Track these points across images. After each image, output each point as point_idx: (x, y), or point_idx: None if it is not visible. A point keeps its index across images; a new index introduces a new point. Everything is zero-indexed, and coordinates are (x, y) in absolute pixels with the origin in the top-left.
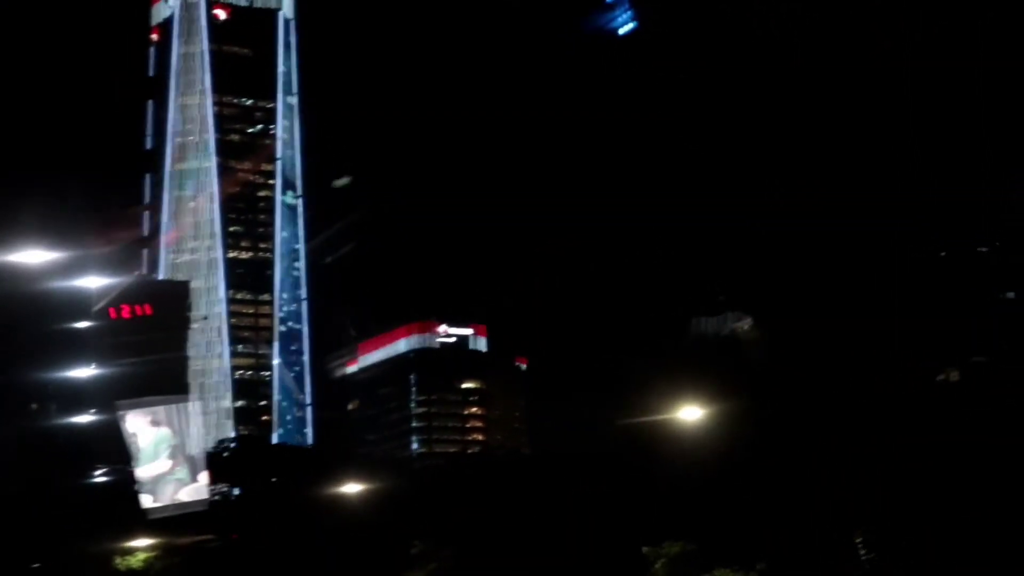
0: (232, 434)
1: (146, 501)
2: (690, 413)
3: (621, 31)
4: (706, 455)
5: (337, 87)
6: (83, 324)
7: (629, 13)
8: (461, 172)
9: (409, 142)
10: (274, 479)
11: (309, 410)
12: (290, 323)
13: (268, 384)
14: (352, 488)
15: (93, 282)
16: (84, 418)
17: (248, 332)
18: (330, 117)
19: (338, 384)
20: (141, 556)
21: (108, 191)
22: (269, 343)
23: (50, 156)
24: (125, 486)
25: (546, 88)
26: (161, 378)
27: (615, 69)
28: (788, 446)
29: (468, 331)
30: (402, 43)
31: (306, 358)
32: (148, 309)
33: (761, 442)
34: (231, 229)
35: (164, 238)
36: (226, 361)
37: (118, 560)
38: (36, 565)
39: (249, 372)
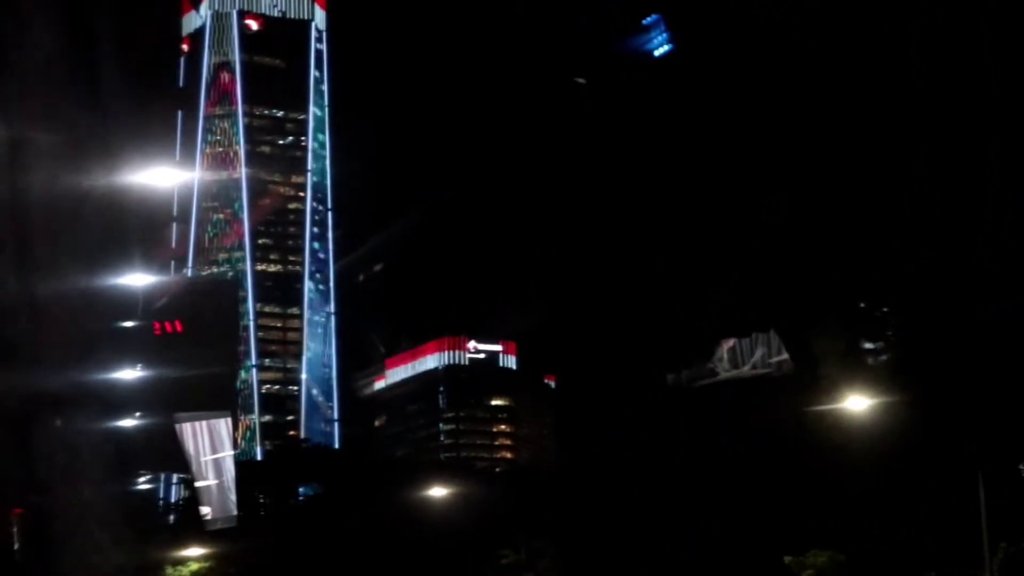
0: (259, 449)
1: (204, 511)
2: (857, 403)
3: (657, 53)
4: (858, 454)
5: (370, 99)
6: (130, 324)
7: (665, 35)
8: (494, 187)
9: (442, 155)
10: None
11: (336, 426)
12: (319, 338)
13: (295, 399)
14: (437, 492)
15: (139, 280)
16: (128, 422)
17: (276, 346)
18: (362, 129)
19: (366, 401)
20: (193, 566)
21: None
22: (297, 357)
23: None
24: (175, 495)
25: (580, 108)
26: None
27: (651, 90)
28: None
29: (498, 348)
30: (434, 55)
31: (334, 373)
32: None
33: (919, 441)
34: (260, 242)
35: (192, 250)
36: (253, 375)
37: (169, 570)
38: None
39: (276, 386)
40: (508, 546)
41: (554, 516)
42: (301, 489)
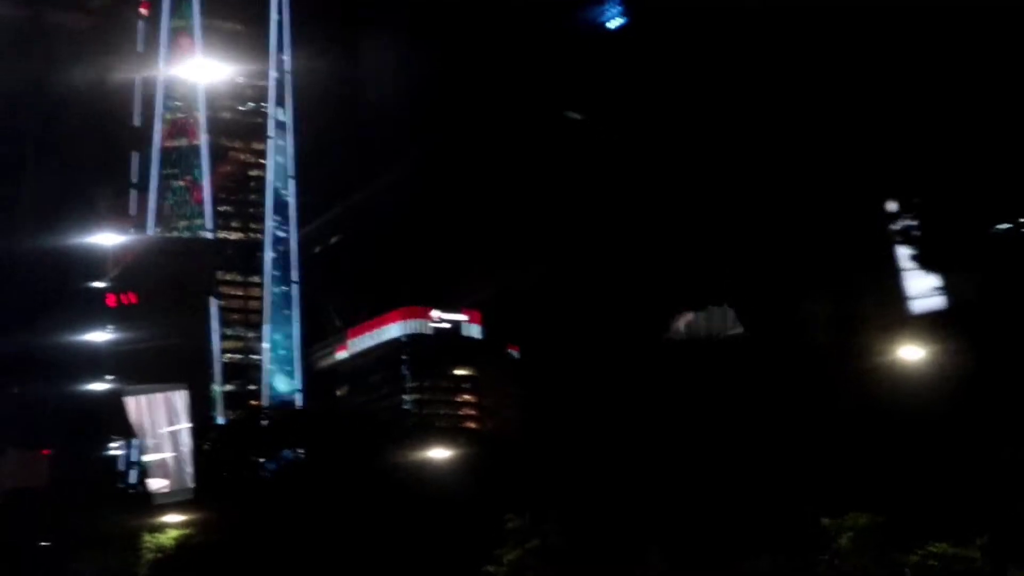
0: (220, 419)
1: (154, 484)
2: (910, 352)
3: (610, 25)
4: (902, 408)
5: (329, 67)
6: (101, 284)
7: (619, 8)
8: (453, 158)
9: (402, 125)
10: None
11: (299, 396)
12: (282, 309)
13: (257, 368)
14: (437, 454)
15: (109, 239)
16: (99, 386)
17: (237, 315)
18: (323, 98)
19: (325, 372)
20: (172, 533)
21: (96, 171)
22: (258, 326)
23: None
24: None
25: (537, 81)
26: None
27: (605, 63)
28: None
29: (462, 317)
30: (395, 19)
31: (296, 342)
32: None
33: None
34: (220, 209)
35: (152, 218)
36: (215, 344)
37: (147, 537)
38: (59, 541)
39: (238, 356)
40: (512, 511)
41: (557, 479)
42: (286, 453)
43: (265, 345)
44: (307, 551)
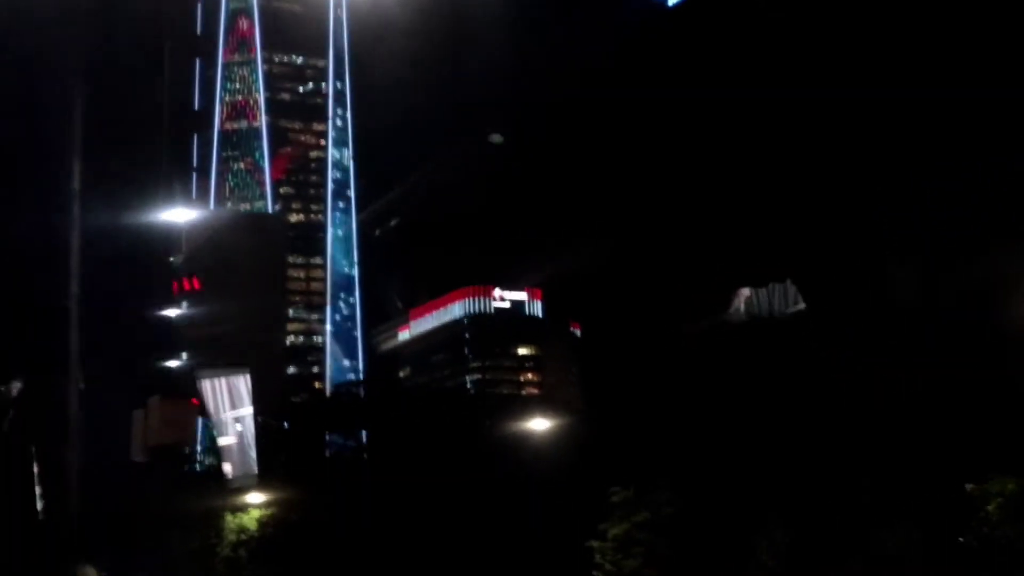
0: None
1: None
2: None
3: (671, 2)
4: None
5: (390, 48)
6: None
7: None
8: (513, 137)
9: (462, 104)
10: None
11: (362, 377)
12: (342, 292)
13: (320, 350)
14: (539, 425)
15: (182, 215)
16: (175, 363)
17: (299, 296)
18: (383, 78)
19: (387, 354)
20: (254, 513)
21: (157, 153)
22: (321, 308)
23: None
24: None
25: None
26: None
27: (666, 40)
28: None
29: (523, 295)
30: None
31: (359, 324)
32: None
33: None
34: (281, 191)
35: (213, 201)
36: None
37: (229, 517)
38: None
39: (301, 338)
40: (616, 483)
41: (668, 449)
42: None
43: (328, 327)
44: (396, 528)
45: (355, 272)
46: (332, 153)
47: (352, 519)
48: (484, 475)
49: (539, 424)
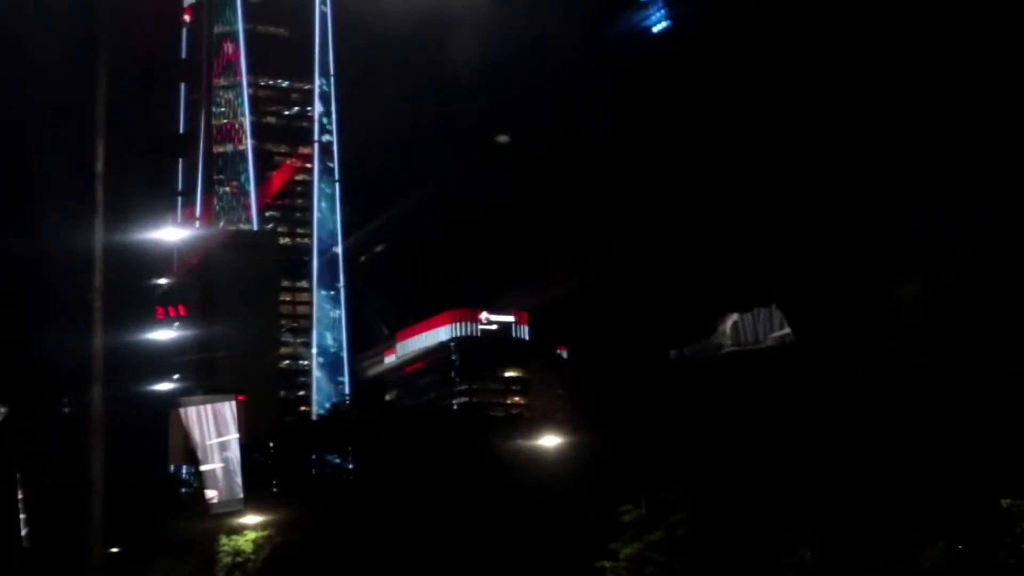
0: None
1: (210, 495)
2: None
3: (655, 29)
4: None
5: (375, 70)
6: (165, 280)
7: (663, 11)
8: (498, 160)
9: (447, 130)
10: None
11: (348, 400)
12: (329, 312)
13: (307, 373)
14: (549, 441)
15: (173, 235)
16: (166, 386)
17: (285, 320)
18: (368, 102)
19: (374, 378)
20: (250, 536)
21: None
22: (306, 332)
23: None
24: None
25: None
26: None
27: (650, 66)
28: None
29: (510, 318)
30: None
31: (344, 346)
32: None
33: None
34: (267, 214)
35: (199, 223)
36: None
37: (223, 540)
38: (134, 545)
39: (286, 361)
40: (627, 500)
41: (688, 462)
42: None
43: (313, 351)
44: (398, 548)
45: (341, 295)
46: (317, 175)
47: (349, 538)
48: (486, 493)
49: (549, 441)
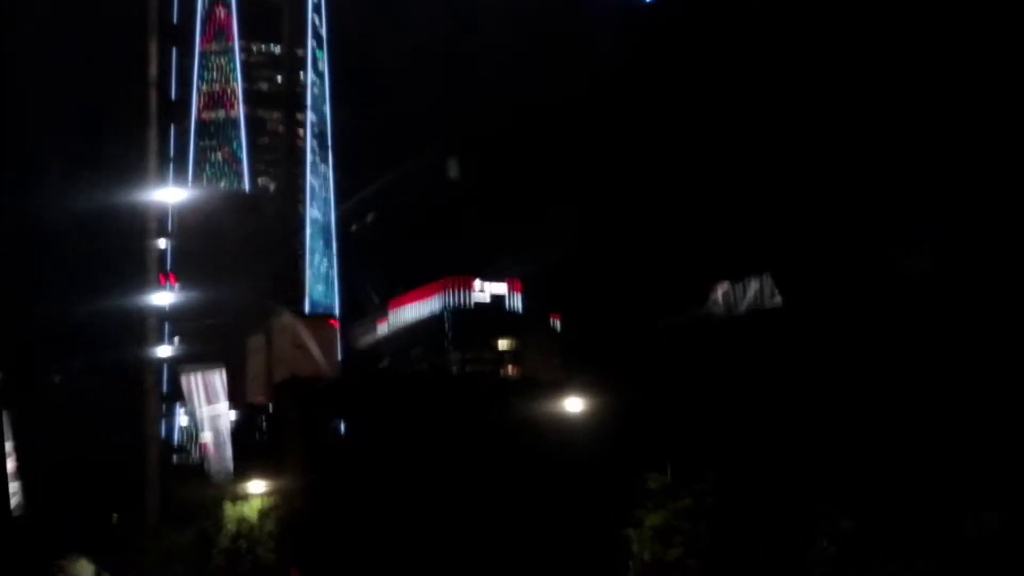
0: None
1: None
2: None
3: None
4: None
5: (367, 38)
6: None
7: None
8: (490, 129)
9: (440, 98)
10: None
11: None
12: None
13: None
14: (573, 406)
15: (171, 195)
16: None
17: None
18: (360, 71)
19: (366, 350)
20: (255, 503)
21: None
22: (299, 301)
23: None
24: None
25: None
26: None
27: (644, 36)
28: None
29: (503, 287)
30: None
31: (337, 314)
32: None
33: None
34: (259, 180)
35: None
36: None
37: (227, 506)
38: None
39: None
40: (652, 468)
41: (713, 429)
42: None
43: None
44: (410, 516)
45: (334, 265)
46: (311, 142)
47: (357, 504)
48: (501, 459)
49: (574, 405)
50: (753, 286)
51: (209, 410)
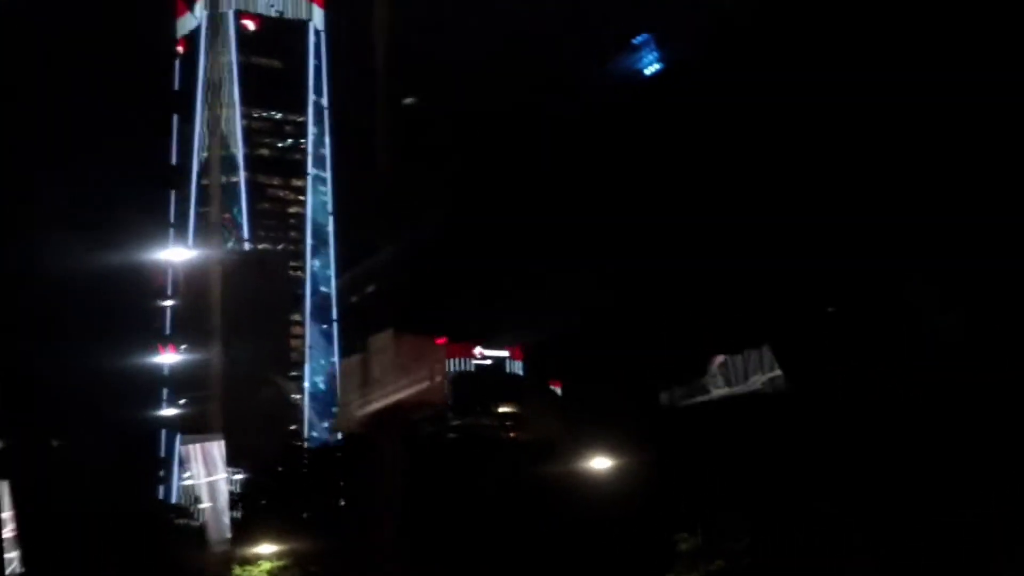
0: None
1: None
2: None
3: (647, 71)
4: None
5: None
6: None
7: (656, 54)
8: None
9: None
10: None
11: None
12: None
13: (299, 409)
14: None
15: (177, 255)
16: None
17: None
18: (362, 136)
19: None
20: (265, 566)
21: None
22: (299, 366)
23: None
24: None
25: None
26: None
27: (643, 108)
28: None
29: (504, 354)
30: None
31: (338, 382)
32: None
33: None
34: (260, 247)
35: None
36: None
37: (237, 570)
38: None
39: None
40: (681, 528)
41: (745, 485)
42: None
43: (305, 384)
44: None
45: (334, 330)
46: (310, 208)
47: (376, 569)
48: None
49: (600, 463)
50: (752, 357)
51: (208, 480)
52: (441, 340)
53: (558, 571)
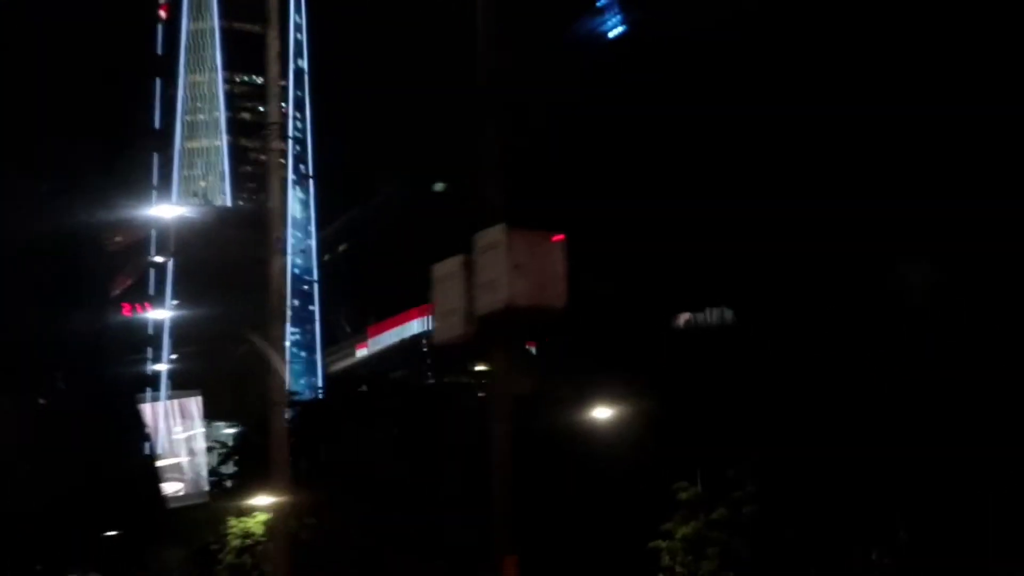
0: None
1: (169, 488)
2: None
3: (610, 34)
4: None
5: (349, 69)
6: (162, 259)
7: (619, 16)
8: (463, 156)
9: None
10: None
11: (321, 395)
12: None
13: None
14: (601, 413)
15: (167, 212)
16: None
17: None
18: (342, 100)
19: (341, 374)
20: (260, 517)
21: (117, 171)
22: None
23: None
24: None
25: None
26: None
27: (606, 71)
28: None
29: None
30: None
31: (318, 340)
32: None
33: None
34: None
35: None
36: None
37: (232, 522)
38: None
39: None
40: (682, 477)
41: (751, 434)
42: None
43: (287, 343)
44: (424, 531)
45: (314, 289)
46: (290, 171)
47: (372, 520)
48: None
49: (602, 413)
50: (713, 314)
51: (185, 434)
52: (559, 237)
53: (551, 523)
